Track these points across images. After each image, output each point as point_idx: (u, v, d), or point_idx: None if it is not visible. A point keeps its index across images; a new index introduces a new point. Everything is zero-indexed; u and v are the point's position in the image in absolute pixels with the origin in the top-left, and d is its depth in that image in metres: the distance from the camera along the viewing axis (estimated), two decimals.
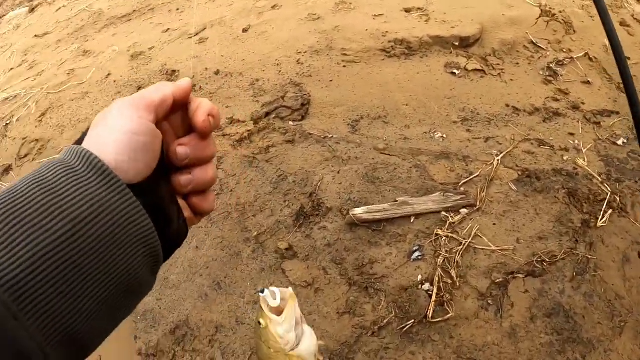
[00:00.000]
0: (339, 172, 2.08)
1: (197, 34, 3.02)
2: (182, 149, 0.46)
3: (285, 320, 0.65)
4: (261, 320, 0.66)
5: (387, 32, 2.78)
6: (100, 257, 0.36)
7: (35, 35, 4.58)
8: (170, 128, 0.48)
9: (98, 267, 0.36)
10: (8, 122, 3.52)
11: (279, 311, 0.66)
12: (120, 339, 1.78)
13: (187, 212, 0.50)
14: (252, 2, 3.35)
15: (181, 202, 0.49)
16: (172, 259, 1.45)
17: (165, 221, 0.44)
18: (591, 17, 2.70)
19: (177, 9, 3.54)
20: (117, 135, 0.41)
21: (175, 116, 0.48)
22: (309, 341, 0.68)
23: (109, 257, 0.37)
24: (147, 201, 0.41)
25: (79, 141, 0.44)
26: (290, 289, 0.67)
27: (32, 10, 5.48)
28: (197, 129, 0.47)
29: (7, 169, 3.16)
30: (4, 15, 6.26)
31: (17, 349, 0.31)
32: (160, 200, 0.44)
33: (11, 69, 4.24)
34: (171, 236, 0.45)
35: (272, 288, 0.67)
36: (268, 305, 0.66)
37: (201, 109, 0.47)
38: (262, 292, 0.67)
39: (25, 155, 3.16)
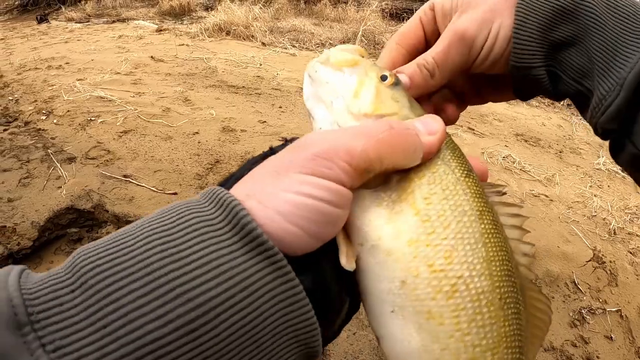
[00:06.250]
0: None
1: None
2: None
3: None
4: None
5: None
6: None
7: (152, 57, 5.11)
8: None
9: None
10: (93, 118, 3.86)
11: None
12: None
13: None
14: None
15: None
16: None
17: (327, 309, 0.33)
18: (637, 275, 2.74)
19: (280, 107, 3.97)
20: (295, 197, 0.29)
21: None
22: None
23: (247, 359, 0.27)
24: (308, 284, 0.30)
25: (230, 180, 0.34)
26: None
27: (159, 30, 6.13)
28: None
29: (72, 160, 3.41)
30: (135, 19, 7.00)
31: None
32: (323, 283, 0.32)
33: (118, 73, 4.71)
34: (331, 331, 0.35)
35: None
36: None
37: None
38: None
39: (92, 158, 3.42)
